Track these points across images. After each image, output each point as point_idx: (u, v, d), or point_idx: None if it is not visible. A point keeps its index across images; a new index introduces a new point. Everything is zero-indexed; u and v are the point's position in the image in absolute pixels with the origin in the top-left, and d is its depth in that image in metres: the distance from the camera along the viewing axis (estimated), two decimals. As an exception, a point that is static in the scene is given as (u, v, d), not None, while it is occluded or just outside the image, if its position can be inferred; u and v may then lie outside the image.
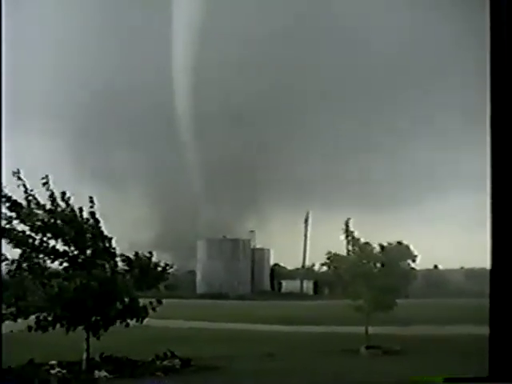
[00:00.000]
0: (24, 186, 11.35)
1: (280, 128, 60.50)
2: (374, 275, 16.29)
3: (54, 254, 11.47)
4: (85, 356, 11.45)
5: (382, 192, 61.29)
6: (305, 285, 64.91)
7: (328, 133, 59.57)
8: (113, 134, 60.01)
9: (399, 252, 16.76)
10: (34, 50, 47.94)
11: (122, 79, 55.21)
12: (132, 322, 11.82)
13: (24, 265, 11.21)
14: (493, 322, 3.94)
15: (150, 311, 11.63)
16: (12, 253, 11.32)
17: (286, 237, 67.93)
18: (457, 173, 53.34)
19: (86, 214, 11.83)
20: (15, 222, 11.34)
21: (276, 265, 71.59)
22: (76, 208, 11.73)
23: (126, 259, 12.01)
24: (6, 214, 11.26)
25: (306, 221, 65.87)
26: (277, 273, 70.18)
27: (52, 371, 10.86)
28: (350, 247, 17.02)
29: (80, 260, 11.61)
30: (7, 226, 11.22)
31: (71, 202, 11.82)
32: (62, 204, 11.58)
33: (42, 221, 11.28)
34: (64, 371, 10.82)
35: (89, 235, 11.59)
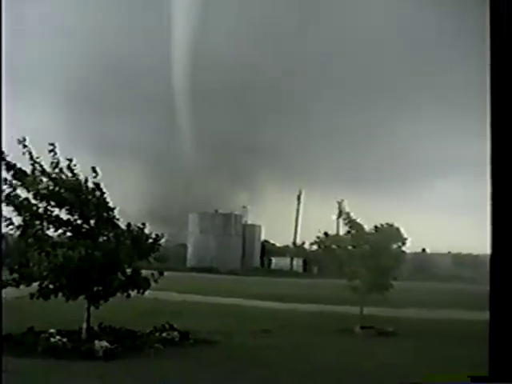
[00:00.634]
0: (30, 153, 11.25)
1: (278, 105, 60.36)
2: (370, 256, 16.34)
3: (58, 222, 11.42)
4: (85, 326, 11.46)
5: (373, 175, 61.63)
6: (295, 262, 65.29)
7: (325, 113, 59.54)
8: (105, 106, 59.71)
9: (390, 234, 16.87)
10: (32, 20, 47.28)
11: (118, 50, 54.76)
12: (133, 294, 11.83)
13: (28, 232, 11.15)
14: (493, 322, 3.95)
15: (152, 283, 11.65)
16: (16, 220, 11.27)
17: (277, 214, 68.24)
18: (446, 159, 53.72)
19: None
20: (19, 189, 11.25)
21: (266, 241, 71.88)
22: (81, 177, 11.65)
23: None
24: (10, 181, 11.16)
25: (299, 198, 66.10)
26: (267, 249, 70.52)
27: (52, 339, 10.86)
28: (347, 227, 17.08)
29: (84, 230, 11.57)
30: (11, 193, 11.14)
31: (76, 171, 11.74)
32: (67, 173, 11.50)
33: (47, 188, 11.21)
34: (64, 339, 10.82)
35: (93, 205, 11.53)
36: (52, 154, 11.32)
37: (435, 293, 33.07)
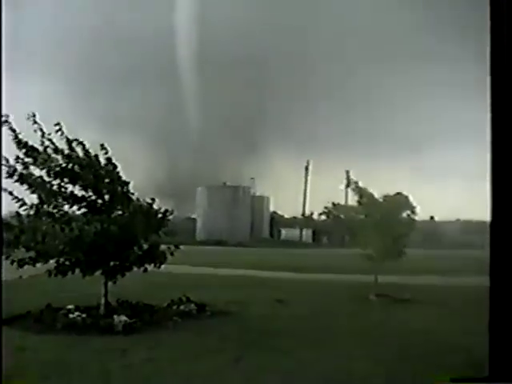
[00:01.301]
0: (41, 129, 11.20)
1: (286, 74, 59.80)
2: (382, 224, 16.35)
3: (73, 198, 11.41)
4: (103, 301, 11.53)
5: (381, 143, 61.30)
6: (304, 233, 65.45)
7: (336, 83, 58.93)
8: (111, 80, 59.36)
9: (399, 202, 16.88)
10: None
11: (123, 18, 54.23)
12: (149, 268, 11.87)
13: (43, 209, 11.16)
14: (492, 325, 3.93)
15: (169, 256, 11.67)
16: (30, 199, 11.28)
17: (285, 185, 68.24)
18: (457, 124, 53.17)
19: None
20: (32, 167, 11.23)
21: (275, 213, 72.05)
22: (92, 153, 11.62)
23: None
24: (22, 159, 11.14)
25: (307, 169, 65.99)
26: (276, 221, 70.70)
27: (71, 315, 10.94)
28: (356, 197, 17.06)
29: (98, 205, 11.57)
30: (24, 172, 11.12)
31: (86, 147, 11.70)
32: (79, 150, 11.47)
33: (60, 166, 11.18)
34: (83, 315, 10.89)
35: (107, 180, 11.51)
36: (59, 133, 11.24)
37: (445, 259, 33.14)
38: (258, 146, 69.69)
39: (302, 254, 41.68)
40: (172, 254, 11.65)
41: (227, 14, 53.33)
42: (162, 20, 54.76)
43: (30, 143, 11.18)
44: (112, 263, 11.41)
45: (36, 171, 11.21)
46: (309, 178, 66.64)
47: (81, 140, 11.50)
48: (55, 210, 11.19)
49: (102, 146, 11.75)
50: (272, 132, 68.02)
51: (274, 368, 8.17)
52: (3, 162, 10.95)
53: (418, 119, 57.89)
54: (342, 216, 18.23)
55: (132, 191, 11.83)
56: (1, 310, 6.41)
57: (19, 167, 11.13)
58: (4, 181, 10.66)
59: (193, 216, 65.14)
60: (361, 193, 16.91)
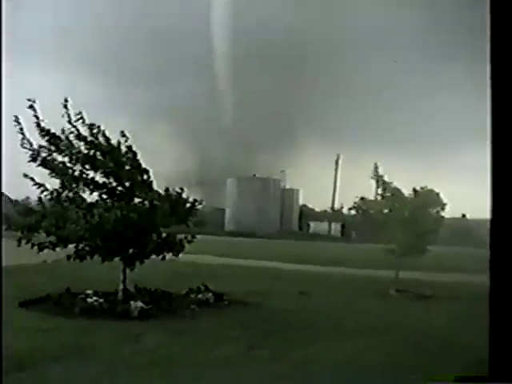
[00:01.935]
0: (68, 115, 11.32)
1: (318, 69, 59.56)
2: (408, 220, 16.18)
3: (94, 184, 11.55)
4: (121, 287, 11.65)
5: (413, 138, 60.55)
6: (333, 227, 65.20)
7: (367, 79, 58.45)
8: (144, 70, 59.77)
9: (429, 198, 16.65)
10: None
11: (159, 13, 54.50)
12: (168, 257, 11.94)
13: (64, 194, 11.32)
14: (492, 324, 3.87)
15: (186, 244, 11.72)
16: (51, 184, 11.45)
17: (315, 178, 67.99)
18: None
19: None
20: (54, 154, 11.40)
21: (304, 206, 71.92)
22: (114, 142, 11.72)
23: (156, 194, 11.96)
24: (46, 146, 11.32)
25: (337, 163, 65.68)
26: (305, 214, 70.57)
27: (89, 300, 11.08)
28: (380, 191, 16.90)
29: (118, 192, 11.68)
30: (48, 158, 11.30)
31: (108, 135, 11.81)
32: (101, 138, 11.58)
33: (82, 152, 11.33)
34: (101, 300, 11.03)
35: (127, 167, 11.61)
36: (81, 121, 11.37)
37: (472, 258, 32.61)
38: (290, 138, 69.58)
39: (330, 247, 41.49)
40: (189, 241, 11.67)
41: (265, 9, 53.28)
42: (198, 10, 54.91)
43: (53, 131, 11.34)
44: (131, 250, 11.50)
45: (59, 158, 11.37)
46: (339, 171, 66.36)
47: (102, 128, 11.61)
48: (76, 195, 11.32)
49: (121, 132, 11.84)
50: (304, 125, 67.85)
51: (286, 359, 8.11)
52: (27, 146, 11.16)
53: (456, 118, 56.89)
54: (370, 211, 18.06)
55: (152, 179, 11.90)
56: (1, 306, 6.52)
57: (43, 154, 11.32)
58: (24, 166, 10.87)
59: (222, 207, 65.36)
60: (385, 186, 16.75)
